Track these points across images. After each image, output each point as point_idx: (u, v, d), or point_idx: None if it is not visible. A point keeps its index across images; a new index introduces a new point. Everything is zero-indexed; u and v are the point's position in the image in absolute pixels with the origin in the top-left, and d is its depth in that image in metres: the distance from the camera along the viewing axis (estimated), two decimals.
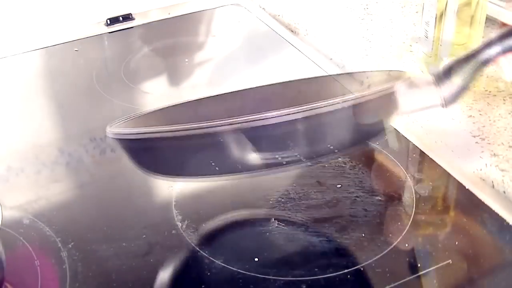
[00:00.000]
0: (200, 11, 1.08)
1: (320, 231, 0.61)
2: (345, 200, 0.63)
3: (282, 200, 0.64)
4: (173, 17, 1.07)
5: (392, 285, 0.55)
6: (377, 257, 0.56)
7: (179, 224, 0.62)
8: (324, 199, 0.64)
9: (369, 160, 0.69)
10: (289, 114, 0.49)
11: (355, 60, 0.81)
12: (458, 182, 0.65)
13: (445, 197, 0.65)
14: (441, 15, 0.75)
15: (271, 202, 0.64)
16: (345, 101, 0.51)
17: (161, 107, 0.64)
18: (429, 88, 0.56)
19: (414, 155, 0.70)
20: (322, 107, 0.50)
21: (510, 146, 0.65)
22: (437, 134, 0.69)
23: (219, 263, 0.58)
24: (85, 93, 0.87)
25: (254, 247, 0.59)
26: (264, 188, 0.66)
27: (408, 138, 0.71)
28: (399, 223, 0.61)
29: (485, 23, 0.88)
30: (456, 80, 0.55)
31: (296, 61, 0.92)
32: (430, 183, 0.65)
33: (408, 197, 0.64)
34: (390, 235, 0.59)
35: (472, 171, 0.65)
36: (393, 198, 0.64)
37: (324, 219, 0.61)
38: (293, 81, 0.68)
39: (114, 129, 0.57)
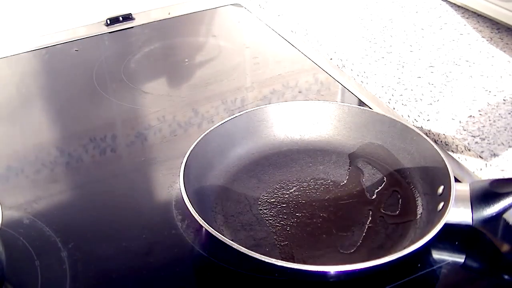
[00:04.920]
0: (200, 11, 1.08)
1: None
2: None
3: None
4: (173, 17, 1.07)
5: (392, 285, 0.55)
6: None
7: (179, 224, 0.62)
8: None
9: None
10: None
11: (355, 60, 0.81)
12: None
13: None
14: None
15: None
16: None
17: None
18: (463, 207, 0.57)
19: None
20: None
21: (510, 146, 0.65)
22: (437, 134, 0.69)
23: (219, 263, 0.58)
24: (85, 93, 0.87)
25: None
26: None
27: None
28: None
29: (485, 23, 0.88)
30: (490, 210, 0.56)
31: (296, 61, 0.92)
32: None
33: None
34: None
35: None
36: None
37: None
38: None
39: None
